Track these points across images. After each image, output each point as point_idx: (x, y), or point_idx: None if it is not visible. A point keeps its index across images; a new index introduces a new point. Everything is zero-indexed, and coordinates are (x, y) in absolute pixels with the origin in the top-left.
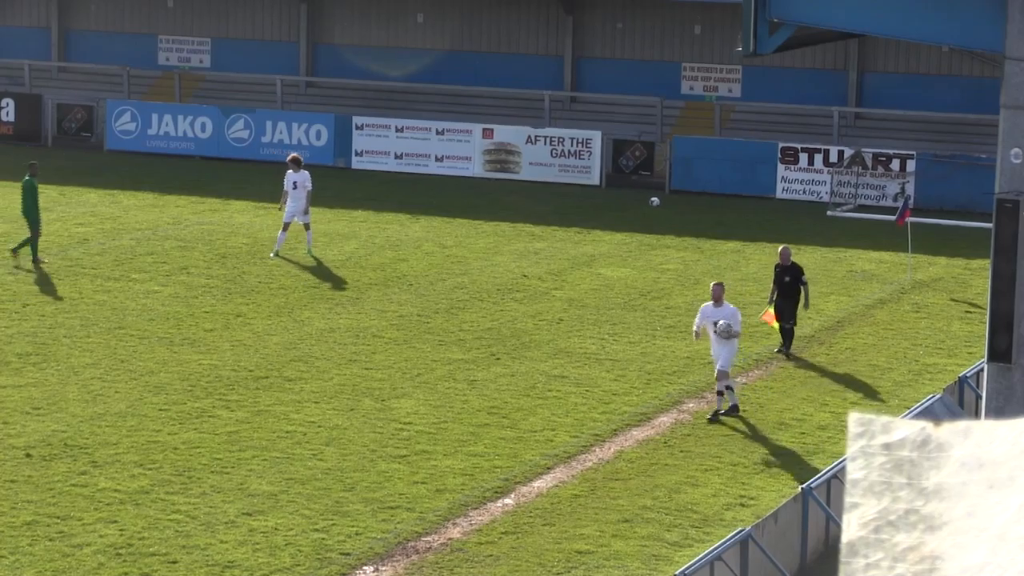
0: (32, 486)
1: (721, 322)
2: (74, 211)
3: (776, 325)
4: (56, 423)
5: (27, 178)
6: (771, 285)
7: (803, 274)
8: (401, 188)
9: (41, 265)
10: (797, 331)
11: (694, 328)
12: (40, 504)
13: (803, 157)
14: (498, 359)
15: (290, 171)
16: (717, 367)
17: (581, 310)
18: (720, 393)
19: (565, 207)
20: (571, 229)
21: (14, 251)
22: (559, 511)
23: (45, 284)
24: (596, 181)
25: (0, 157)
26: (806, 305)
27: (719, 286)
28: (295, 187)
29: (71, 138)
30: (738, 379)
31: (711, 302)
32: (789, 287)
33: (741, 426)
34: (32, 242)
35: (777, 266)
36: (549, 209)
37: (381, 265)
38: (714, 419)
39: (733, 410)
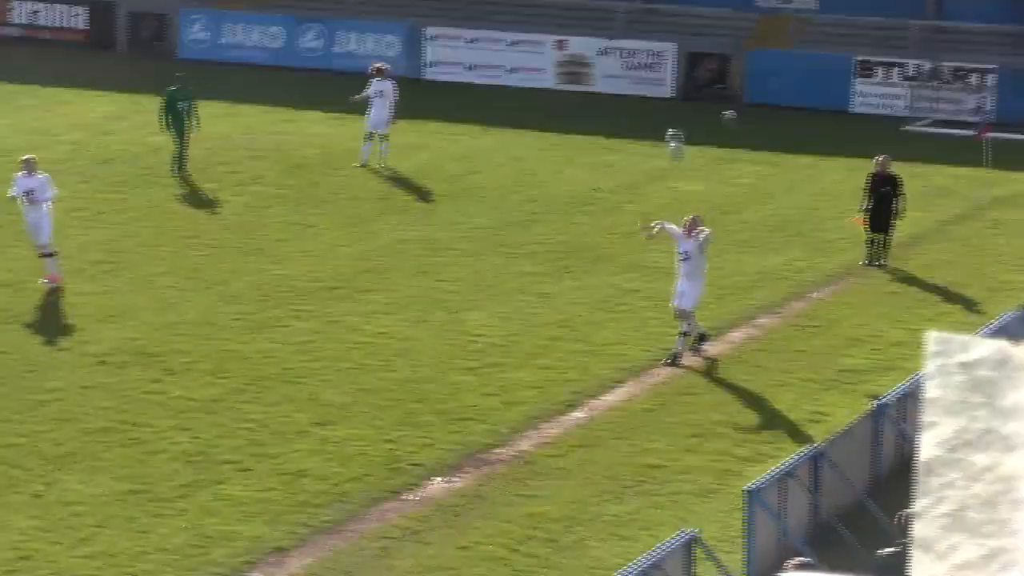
0: (106, 393)
1: (690, 247)
2: (146, 120)
3: (866, 231)
4: (130, 331)
5: (170, 88)
6: (864, 193)
7: (901, 184)
8: (473, 99)
9: (184, 175)
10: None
11: (656, 228)
12: (114, 411)
13: (880, 71)
14: (569, 272)
15: (375, 80)
16: (681, 305)
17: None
18: (685, 334)
19: (638, 120)
20: (644, 142)
21: (177, 171)
22: (630, 425)
23: (118, 192)
24: (670, 94)
25: (72, 63)
26: (899, 215)
27: (695, 219)
28: (380, 96)
29: (144, 46)
30: (813, 294)
31: (683, 230)
32: (886, 196)
33: (815, 341)
34: (175, 154)
35: (874, 175)
36: (622, 122)
37: (453, 177)
38: (672, 362)
39: (675, 358)
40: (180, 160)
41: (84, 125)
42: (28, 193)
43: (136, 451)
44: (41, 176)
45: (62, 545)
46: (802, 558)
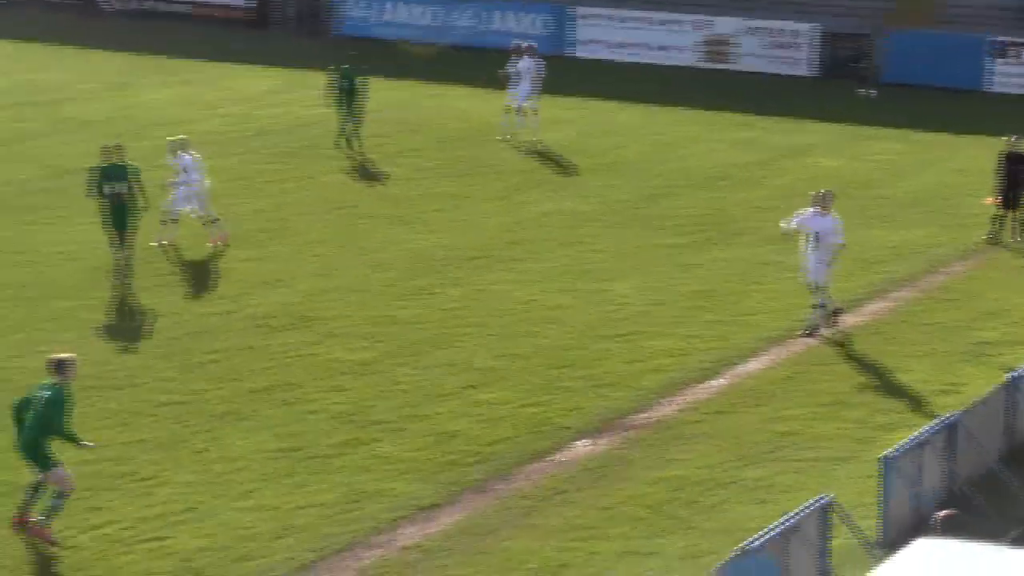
0: (265, 354)
1: (821, 227)
2: (307, 94)
3: (997, 208)
4: (288, 296)
5: (343, 66)
6: (997, 174)
7: None
8: (619, 76)
9: (357, 149)
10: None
11: (786, 225)
12: (273, 372)
13: (1015, 51)
14: (710, 244)
15: (523, 58)
16: (813, 279)
17: (792, 198)
18: (821, 306)
19: (779, 97)
20: (784, 119)
21: (345, 145)
22: (767, 392)
23: (279, 163)
24: (810, 72)
25: (234, 40)
26: None
27: (829, 193)
28: (523, 73)
29: (303, 24)
30: (948, 268)
31: (813, 208)
32: (1018, 175)
33: (950, 314)
34: (341, 129)
35: (1006, 155)
36: (763, 99)
37: (600, 151)
38: (809, 333)
39: (812, 330)
40: (351, 134)
41: (246, 99)
42: (184, 171)
43: (293, 411)
44: (186, 157)
45: (224, 498)
46: (950, 510)
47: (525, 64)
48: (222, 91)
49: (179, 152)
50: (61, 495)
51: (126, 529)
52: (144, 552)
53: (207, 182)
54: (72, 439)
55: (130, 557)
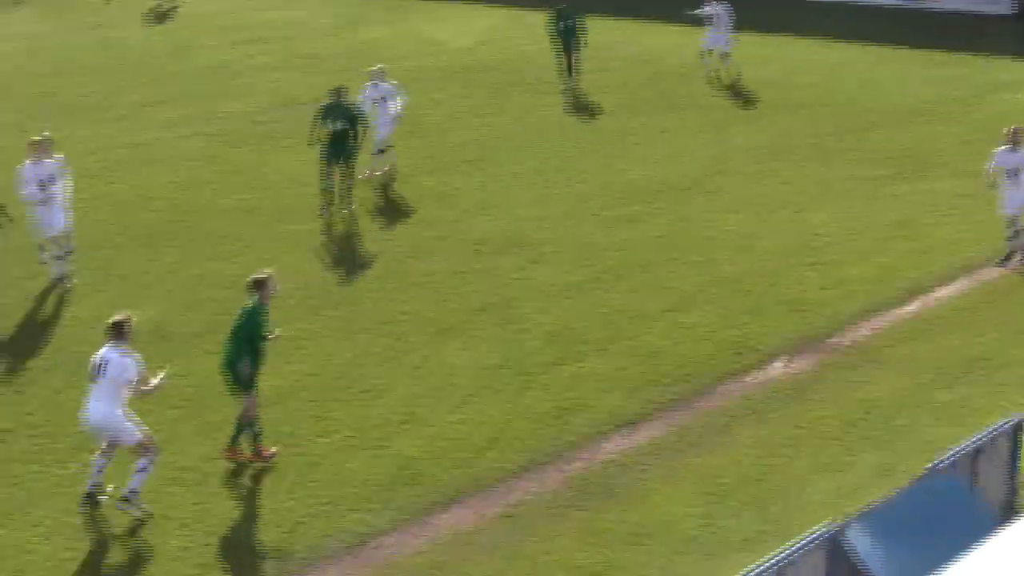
0: (480, 276)
1: (1017, 161)
2: (524, 32)
3: None
4: (504, 221)
5: (559, 7)
6: None
7: None
8: (819, 15)
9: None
10: None
11: (989, 175)
12: (487, 292)
13: None
14: (908, 177)
15: (713, 2)
16: (1009, 211)
17: (991, 134)
18: (1015, 238)
19: (979, 36)
20: (984, 57)
21: (567, 80)
22: (960, 319)
23: (492, 96)
24: (1012, 11)
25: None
26: None
27: (1016, 130)
28: (712, 18)
29: None
30: None
31: (1007, 145)
32: None
33: None
34: (562, 65)
35: None
36: (963, 38)
37: (800, 87)
38: (1004, 262)
39: (1005, 259)
40: (568, 70)
41: (468, 35)
42: (375, 101)
43: (506, 329)
44: (379, 86)
45: (440, 409)
46: None
47: (714, 9)
48: (445, 28)
49: (376, 83)
50: (249, 423)
51: (350, 436)
52: (366, 458)
53: (392, 112)
54: (262, 355)
55: (354, 464)
